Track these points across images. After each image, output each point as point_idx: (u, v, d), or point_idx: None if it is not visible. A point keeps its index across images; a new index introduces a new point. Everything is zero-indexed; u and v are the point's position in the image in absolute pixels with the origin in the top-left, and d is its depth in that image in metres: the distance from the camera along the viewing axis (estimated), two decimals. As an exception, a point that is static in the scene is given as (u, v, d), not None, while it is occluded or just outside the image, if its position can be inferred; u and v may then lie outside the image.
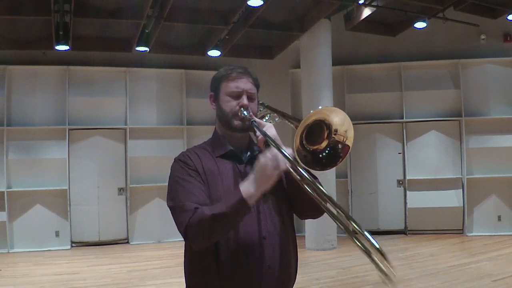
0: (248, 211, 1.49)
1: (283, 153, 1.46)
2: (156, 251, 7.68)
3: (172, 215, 1.59)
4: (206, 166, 1.67)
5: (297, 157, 1.46)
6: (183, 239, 1.58)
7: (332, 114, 1.49)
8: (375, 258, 1.19)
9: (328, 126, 1.51)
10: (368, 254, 1.20)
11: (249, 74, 1.73)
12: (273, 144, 1.53)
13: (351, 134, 1.50)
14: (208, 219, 1.47)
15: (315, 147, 1.52)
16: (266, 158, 1.46)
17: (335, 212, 1.37)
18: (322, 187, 1.45)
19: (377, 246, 1.20)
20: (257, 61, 8.70)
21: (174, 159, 1.71)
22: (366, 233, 1.24)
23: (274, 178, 1.46)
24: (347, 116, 1.50)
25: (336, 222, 1.36)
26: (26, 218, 7.79)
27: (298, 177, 1.49)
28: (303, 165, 1.47)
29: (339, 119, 1.50)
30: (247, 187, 1.47)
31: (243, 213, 1.49)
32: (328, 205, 1.41)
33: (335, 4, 6.93)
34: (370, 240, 1.21)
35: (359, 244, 1.22)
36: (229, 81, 1.71)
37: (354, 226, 1.29)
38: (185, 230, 1.51)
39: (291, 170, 1.47)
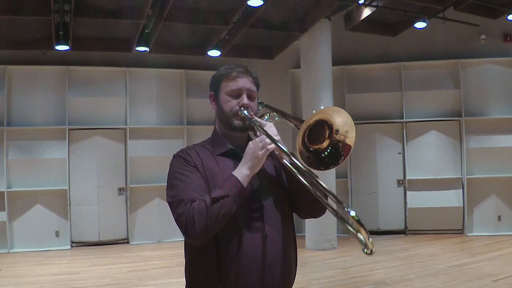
0: (244, 191, 1.55)
1: (282, 148, 1.54)
2: (156, 251, 7.68)
3: (171, 210, 1.59)
4: (205, 163, 1.67)
5: (300, 158, 1.47)
6: (182, 235, 1.58)
7: (334, 114, 1.49)
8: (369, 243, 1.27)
9: (330, 126, 1.51)
10: (366, 246, 1.28)
11: (249, 73, 1.73)
12: (274, 142, 1.55)
13: (352, 134, 1.50)
14: (207, 204, 1.50)
15: (317, 146, 1.52)
16: (255, 142, 1.58)
17: (339, 210, 1.38)
18: (320, 181, 1.48)
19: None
20: (257, 61, 8.70)
21: (173, 156, 1.71)
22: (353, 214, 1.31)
23: (263, 159, 1.58)
24: (349, 117, 1.50)
25: (339, 219, 1.37)
26: (26, 218, 7.79)
27: (297, 173, 1.51)
28: (307, 167, 1.48)
29: (341, 120, 1.50)
30: (240, 170, 1.57)
31: (240, 194, 1.54)
32: (331, 203, 1.42)
33: (335, 4, 6.93)
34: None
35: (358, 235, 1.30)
36: (229, 80, 1.71)
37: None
38: (185, 221, 1.51)
39: (278, 148, 1.56)
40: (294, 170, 1.54)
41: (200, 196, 1.55)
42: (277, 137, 1.58)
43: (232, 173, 1.58)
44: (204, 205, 1.50)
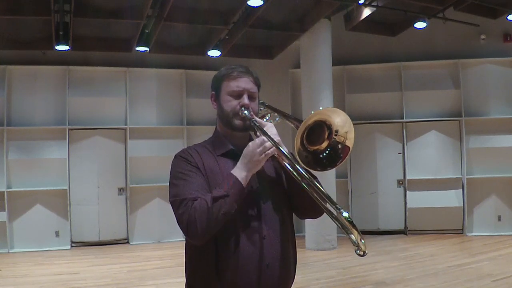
0: (243, 190, 1.55)
1: (281, 150, 1.54)
2: (156, 251, 7.68)
3: (173, 209, 1.60)
4: (206, 164, 1.68)
5: (298, 158, 1.47)
6: (184, 235, 1.59)
7: (333, 115, 1.49)
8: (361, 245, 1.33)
9: (329, 126, 1.51)
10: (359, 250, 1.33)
11: (250, 73, 1.74)
12: (273, 143, 1.55)
13: (351, 135, 1.51)
14: (208, 203, 1.50)
15: (316, 147, 1.53)
16: (254, 144, 1.56)
17: (334, 211, 1.38)
18: (321, 186, 1.46)
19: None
20: (257, 61, 8.69)
21: (175, 155, 1.72)
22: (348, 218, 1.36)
23: (262, 163, 1.57)
24: (348, 117, 1.50)
25: (334, 221, 1.38)
26: (26, 218, 7.79)
27: (296, 174, 1.51)
28: (303, 166, 1.48)
29: (340, 120, 1.50)
30: (239, 172, 1.56)
31: (240, 193, 1.54)
32: (327, 205, 1.42)
33: (335, 4, 6.93)
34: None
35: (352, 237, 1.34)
36: (230, 80, 1.72)
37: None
38: (187, 221, 1.51)
39: (278, 150, 1.55)
40: (294, 172, 1.54)
41: (202, 195, 1.55)
42: (277, 138, 1.58)
43: (232, 172, 1.58)
44: (205, 205, 1.51)
